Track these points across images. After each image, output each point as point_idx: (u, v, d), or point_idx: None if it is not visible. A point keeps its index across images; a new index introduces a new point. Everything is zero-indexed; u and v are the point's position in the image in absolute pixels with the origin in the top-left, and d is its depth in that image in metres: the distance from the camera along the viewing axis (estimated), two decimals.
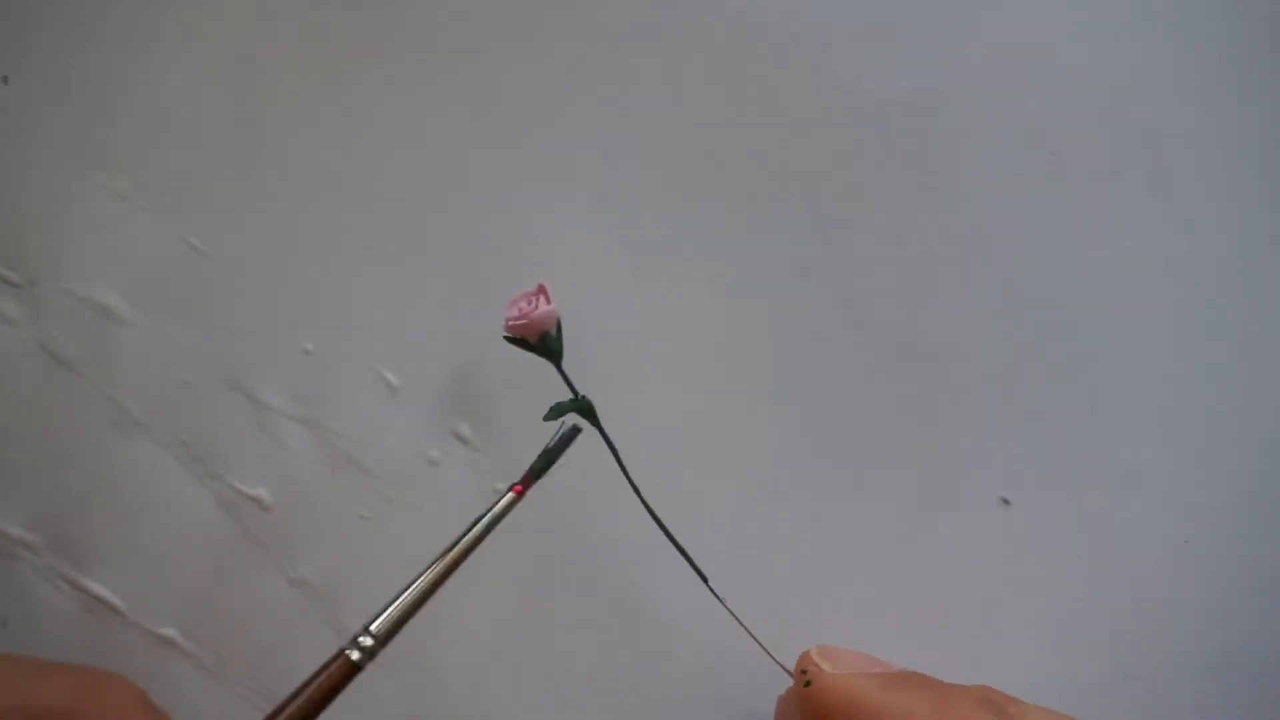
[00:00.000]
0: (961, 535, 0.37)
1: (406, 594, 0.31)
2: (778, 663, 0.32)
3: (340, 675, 0.30)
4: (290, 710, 0.29)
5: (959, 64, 0.38)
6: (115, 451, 0.37)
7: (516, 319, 0.33)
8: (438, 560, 0.31)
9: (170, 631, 0.36)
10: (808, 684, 0.31)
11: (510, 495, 0.32)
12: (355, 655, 0.30)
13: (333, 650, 0.37)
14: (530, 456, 0.37)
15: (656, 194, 0.38)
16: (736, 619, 0.32)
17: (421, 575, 0.31)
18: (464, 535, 0.31)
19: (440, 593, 0.36)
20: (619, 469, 0.33)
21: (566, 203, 0.38)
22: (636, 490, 0.33)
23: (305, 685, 0.30)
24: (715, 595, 0.33)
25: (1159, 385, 0.38)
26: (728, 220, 0.38)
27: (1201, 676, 0.36)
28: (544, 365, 0.37)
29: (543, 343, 0.34)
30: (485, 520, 0.31)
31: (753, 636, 0.32)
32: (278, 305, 0.37)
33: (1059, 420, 0.37)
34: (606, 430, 0.33)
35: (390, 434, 0.37)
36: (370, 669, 0.36)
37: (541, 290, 0.33)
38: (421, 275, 0.38)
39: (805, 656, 0.31)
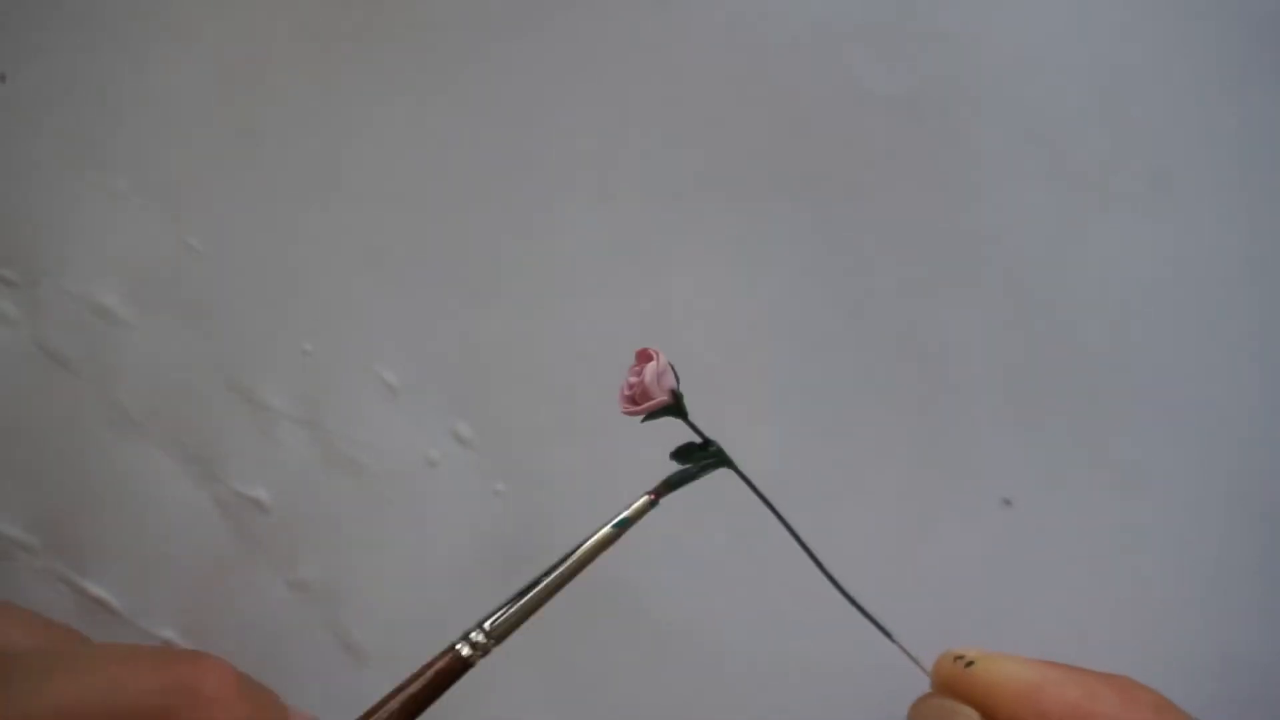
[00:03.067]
0: (963, 536, 0.37)
1: (529, 595, 0.29)
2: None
3: (449, 670, 0.29)
4: (392, 705, 0.29)
5: (960, 63, 0.38)
6: (113, 452, 0.37)
7: (636, 398, 0.31)
8: (563, 561, 0.30)
9: (169, 633, 0.36)
10: (970, 664, 0.30)
11: (646, 500, 0.31)
12: (466, 651, 0.29)
13: (332, 651, 0.37)
14: (529, 457, 0.37)
15: (657, 194, 0.38)
16: (907, 653, 0.32)
17: (547, 576, 0.29)
18: (593, 535, 0.30)
19: (442, 603, 0.36)
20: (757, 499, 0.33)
21: (566, 203, 0.38)
22: (793, 532, 0.33)
23: (411, 679, 0.29)
24: (893, 640, 0.32)
25: (1160, 385, 0.38)
26: (728, 220, 0.38)
27: (1202, 677, 0.36)
28: (542, 368, 0.37)
29: (677, 401, 0.32)
30: (617, 521, 0.31)
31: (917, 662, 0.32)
32: (277, 305, 0.37)
33: (1060, 421, 0.37)
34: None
35: (389, 435, 0.37)
36: (369, 669, 0.36)
37: (643, 357, 0.31)
38: (421, 275, 0.38)
39: (947, 653, 0.31)
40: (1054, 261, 0.38)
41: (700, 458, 0.32)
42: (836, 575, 0.33)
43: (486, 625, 0.29)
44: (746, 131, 0.38)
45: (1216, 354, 0.38)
